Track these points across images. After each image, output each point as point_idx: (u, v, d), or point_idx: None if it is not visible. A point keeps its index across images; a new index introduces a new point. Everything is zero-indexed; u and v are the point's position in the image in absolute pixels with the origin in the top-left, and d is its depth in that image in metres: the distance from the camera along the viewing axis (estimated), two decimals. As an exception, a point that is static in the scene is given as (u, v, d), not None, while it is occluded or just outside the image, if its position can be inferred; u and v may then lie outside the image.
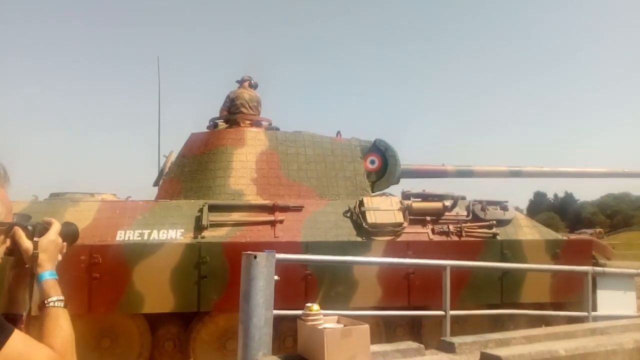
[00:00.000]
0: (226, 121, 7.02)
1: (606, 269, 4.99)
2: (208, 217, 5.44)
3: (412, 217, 5.77)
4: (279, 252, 5.24)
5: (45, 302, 1.32)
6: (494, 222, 5.79)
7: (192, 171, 6.27)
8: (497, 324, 5.66)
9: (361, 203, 5.81)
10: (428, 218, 5.79)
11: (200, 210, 5.50)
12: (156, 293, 5.03)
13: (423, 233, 5.70)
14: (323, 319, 2.65)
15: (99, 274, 5.00)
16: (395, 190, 7.02)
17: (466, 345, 2.79)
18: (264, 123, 7.05)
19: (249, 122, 6.87)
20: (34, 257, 1.36)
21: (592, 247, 5.92)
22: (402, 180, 7.30)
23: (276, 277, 3.20)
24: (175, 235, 5.33)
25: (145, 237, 5.23)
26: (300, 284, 5.33)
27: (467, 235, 5.69)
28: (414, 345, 2.72)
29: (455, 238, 5.66)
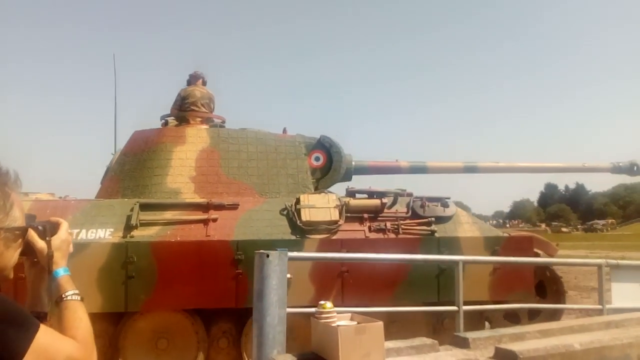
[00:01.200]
0: (177, 119, 6.91)
1: (620, 262, 4.96)
2: (138, 216, 5.35)
3: (349, 214, 5.67)
4: (210, 251, 5.18)
5: (63, 296, 1.40)
6: (433, 219, 5.70)
7: (132, 169, 6.17)
8: (438, 322, 5.69)
9: (298, 201, 5.73)
10: (365, 215, 5.70)
11: (132, 209, 5.41)
12: (83, 293, 4.94)
13: (359, 231, 5.62)
14: (337, 316, 2.66)
15: (25, 274, 4.92)
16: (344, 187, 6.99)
17: (480, 340, 2.79)
18: (217, 121, 6.96)
19: (199, 119, 6.78)
20: (50, 256, 1.43)
21: (532, 244, 5.80)
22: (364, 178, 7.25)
23: (289, 275, 3.21)
24: (104, 234, 5.23)
25: (73, 237, 5.12)
26: (230, 283, 5.25)
27: (404, 233, 5.60)
28: (428, 341, 2.71)
29: (392, 235, 5.58)
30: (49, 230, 1.47)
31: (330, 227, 5.51)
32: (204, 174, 6.04)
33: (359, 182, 7.24)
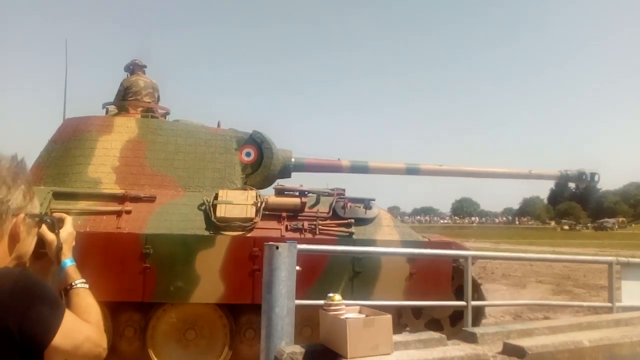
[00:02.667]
0: (119, 108, 6.77)
1: (631, 259, 4.92)
2: (50, 205, 5.18)
3: (268, 212, 5.55)
4: (118, 243, 5.04)
5: (73, 284, 1.51)
6: (352, 220, 5.58)
7: (57, 157, 5.98)
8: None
9: (216, 196, 5.60)
10: (284, 214, 5.58)
11: (45, 198, 5.23)
12: None
13: (276, 229, 5.49)
14: (345, 309, 2.67)
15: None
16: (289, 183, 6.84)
17: (488, 335, 2.78)
18: (161, 111, 6.83)
19: (140, 109, 6.64)
20: (59, 247, 1.56)
21: (451, 249, 5.68)
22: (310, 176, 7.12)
23: (298, 268, 3.22)
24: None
25: None
26: (138, 278, 5.16)
27: (321, 233, 5.47)
28: (435, 335, 2.71)
29: (309, 235, 5.45)
30: (56, 224, 1.58)
31: (245, 224, 5.37)
32: (127, 165, 5.90)
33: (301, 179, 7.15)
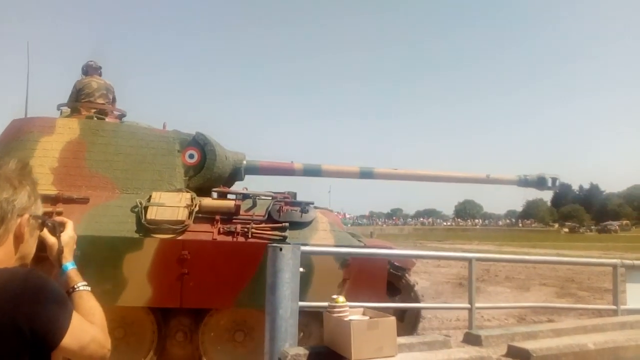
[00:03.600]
0: (72, 110, 6.66)
1: (635, 262, 4.90)
2: None
3: (202, 215, 5.46)
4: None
5: (75, 287, 1.52)
6: (287, 224, 5.47)
7: None
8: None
9: (149, 198, 5.54)
10: (217, 217, 5.48)
11: None
12: None
13: (208, 232, 5.39)
14: (349, 311, 2.67)
15: None
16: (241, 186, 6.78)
17: (493, 338, 2.77)
18: (116, 112, 6.78)
19: (94, 110, 6.54)
20: (60, 251, 1.57)
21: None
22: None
23: (301, 269, 3.22)
24: None
25: None
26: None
27: (254, 237, 5.37)
28: (440, 337, 2.71)
29: (241, 239, 5.37)
30: (57, 228, 1.58)
31: (175, 227, 5.29)
32: (65, 166, 5.80)
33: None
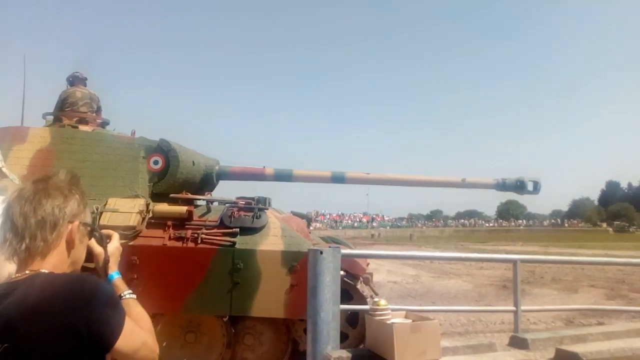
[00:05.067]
0: (56, 119, 6.85)
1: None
2: None
3: (155, 221, 5.44)
4: None
5: (122, 295, 1.58)
6: (237, 229, 5.45)
7: None
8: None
9: (105, 204, 5.54)
10: (169, 223, 5.45)
11: None
12: None
13: (159, 238, 5.36)
14: (391, 314, 2.66)
15: None
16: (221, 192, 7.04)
17: (540, 341, 2.71)
18: (98, 121, 6.94)
19: (75, 119, 6.72)
20: (106, 261, 1.64)
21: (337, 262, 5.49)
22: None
23: (342, 272, 3.21)
24: None
25: None
26: None
27: (204, 242, 5.34)
28: (485, 341, 2.66)
29: (191, 244, 5.32)
30: (103, 238, 1.67)
31: (126, 232, 5.26)
32: (34, 174, 5.66)
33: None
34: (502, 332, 7.88)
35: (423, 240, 48.65)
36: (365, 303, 5.13)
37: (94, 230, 1.62)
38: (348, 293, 5.21)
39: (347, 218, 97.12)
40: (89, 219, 1.56)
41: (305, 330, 5.31)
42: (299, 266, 5.16)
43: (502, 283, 13.57)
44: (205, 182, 6.84)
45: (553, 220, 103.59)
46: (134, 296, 1.62)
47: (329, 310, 3.03)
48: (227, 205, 5.74)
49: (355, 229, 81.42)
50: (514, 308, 4.02)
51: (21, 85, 6.96)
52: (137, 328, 1.42)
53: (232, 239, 5.35)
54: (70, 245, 1.46)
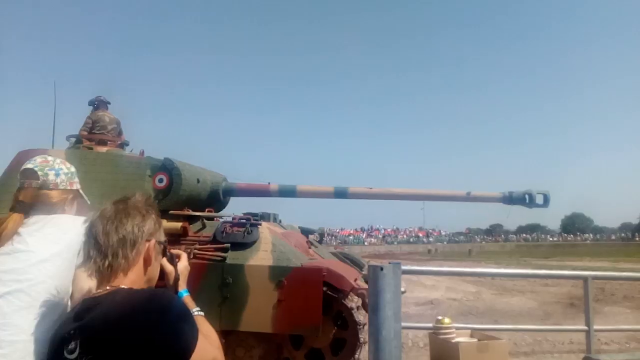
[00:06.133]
0: (78, 140, 7.30)
1: None
2: None
3: None
4: None
5: (192, 312, 1.62)
6: (229, 245, 5.48)
7: None
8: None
9: None
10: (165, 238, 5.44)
11: None
12: None
13: None
14: (456, 332, 2.58)
15: None
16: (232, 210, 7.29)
17: (617, 364, 2.55)
18: (118, 142, 7.34)
19: (93, 142, 7.15)
20: (176, 279, 1.75)
21: (321, 276, 5.28)
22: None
23: (403, 289, 3.16)
24: None
25: None
26: None
27: (196, 258, 5.35)
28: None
29: None
30: (173, 257, 1.78)
31: None
32: None
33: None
34: (570, 352, 7.56)
35: (483, 256, 47.19)
36: (352, 315, 5.23)
37: (167, 248, 1.69)
38: (332, 307, 5.26)
39: (402, 233, 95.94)
40: (163, 237, 1.66)
41: (305, 356, 5.45)
42: (286, 281, 5.23)
43: (569, 301, 12.90)
44: (212, 199, 7.05)
45: (622, 234, 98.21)
46: (202, 313, 1.67)
47: (391, 328, 2.98)
48: (221, 221, 5.89)
49: (410, 244, 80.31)
50: (585, 327, 3.80)
51: (52, 109, 7.50)
52: (208, 344, 1.46)
53: (224, 254, 5.49)
54: (147, 262, 1.56)
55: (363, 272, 7.30)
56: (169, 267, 1.73)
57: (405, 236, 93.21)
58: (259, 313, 5.25)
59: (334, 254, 7.60)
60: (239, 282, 5.31)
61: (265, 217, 6.55)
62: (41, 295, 1.76)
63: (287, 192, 7.38)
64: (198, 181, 6.73)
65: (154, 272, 1.61)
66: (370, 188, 7.34)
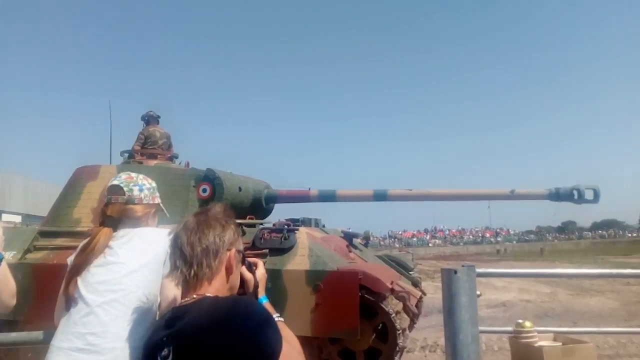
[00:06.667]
0: (132, 155, 7.68)
1: None
2: (34, 242, 5.99)
3: None
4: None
5: None
6: (267, 250, 5.53)
7: (59, 201, 6.99)
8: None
9: None
10: None
11: (33, 236, 6.07)
12: None
13: None
14: (538, 336, 2.50)
15: None
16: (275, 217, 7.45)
17: None
18: (168, 155, 7.75)
19: (144, 156, 7.58)
20: (256, 286, 1.79)
21: (357, 279, 5.24)
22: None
23: (478, 292, 3.09)
24: (8, 256, 5.69)
25: None
26: None
27: None
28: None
29: None
30: (252, 266, 1.83)
31: None
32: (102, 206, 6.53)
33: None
34: (659, 355, 7.10)
35: (556, 255, 45.16)
36: (390, 321, 5.19)
37: (245, 257, 1.75)
38: (373, 309, 5.27)
39: (467, 233, 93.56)
40: (241, 247, 1.72)
41: (339, 354, 5.47)
42: (322, 285, 5.28)
43: (655, 300, 12.21)
44: (255, 206, 7.26)
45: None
46: (282, 319, 1.68)
47: (468, 332, 2.92)
48: (260, 227, 6.03)
49: (477, 245, 78.15)
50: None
51: (108, 127, 8.13)
52: (291, 349, 1.48)
53: (262, 260, 5.57)
54: (229, 270, 1.62)
55: (411, 275, 7.39)
56: (248, 275, 1.78)
57: (471, 236, 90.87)
58: (297, 317, 5.28)
59: (379, 256, 7.65)
60: (278, 287, 5.40)
61: (306, 222, 6.71)
62: (133, 304, 1.88)
63: (327, 197, 7.53)
64: (240, 190, 6.97)
65: (236, 280, 1.68)
66: (410, 190, 7.35)
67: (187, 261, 1.55)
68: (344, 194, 7.53)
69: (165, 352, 1.39)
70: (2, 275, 2.07)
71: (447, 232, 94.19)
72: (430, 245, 77.93)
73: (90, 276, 1.95)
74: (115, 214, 2.15)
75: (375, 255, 7.72)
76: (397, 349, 5.34)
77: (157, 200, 2.34)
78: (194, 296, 1.51)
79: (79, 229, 6.46)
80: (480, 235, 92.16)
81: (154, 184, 2.36)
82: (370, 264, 6.55)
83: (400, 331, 5.34)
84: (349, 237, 7.17)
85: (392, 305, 5.39)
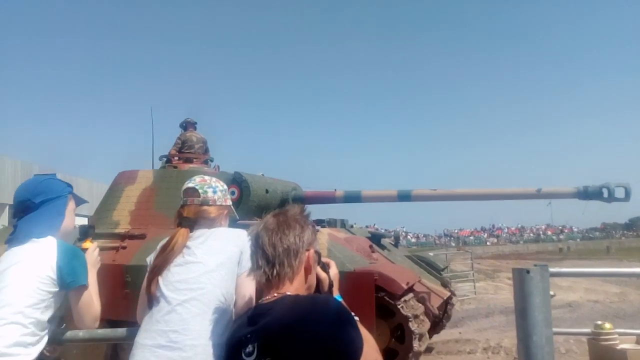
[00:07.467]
0: (169, 159, 8.02)
1: None
2: (75, 244, 6.07)
3: None
4: (106, 274, 4.84)
5: None
6: None
7: (101, 204, 7.35)
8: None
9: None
10: None
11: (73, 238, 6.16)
12: None
13: None
14: (619, 339, 2.41)
15: None
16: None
17: None
18: (202, 159, 8.06)
19: (181, 160, 7.92)
20: (331, 285, 1.78)
21: (373, 280, 5.28)
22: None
23: (552, 293, 3.01)
24: None
25: None
26: (121, 301, 5.49)
27: None
28: None
29: None
30: (325, 266, 1.82)
31: None
32: (139, 209, 6.98)
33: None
34: None
35: (623, 253, 42.90)
36: (407, 322, 5.23)
37: (320, 257, 1.78)
38: (390, 310, 5.31)
39: (527, 231, 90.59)
40: (318, 247, 1.75)
41: None
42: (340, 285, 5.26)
43: None
44: (282, 207, 7.35)
45: None
46: (357, 318, 1.71)
47: (542, 334, 2.84)
48: None
49: (538, 243, 75.53)
50: None
51: (150, 133, 8.50)
52: (371, 348, 1.48)
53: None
54: (308, 270, 1.65)
55: (441, 275, 7.28)
56: (323, 275, 1.78)
57: (531, 234, 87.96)
58: None
59: (408, 257, 7.66)
60: None
61: (332, 223, 6.90)
62: (212, 303, 1.94)
63: (352, 198, 7.60)
64: (267, 192, 7.16)
65: (313, 279, 1.69)
66: (435, 190, 7.36)
67: (270, 261, 1.58)
68: (368, 195, 7.61)
69: (249, 348, 1.43)
70: (85, 301, 2.28)
71: (505, 230, 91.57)
72: (488, 244, 76.02)
73: (170, 275, 2.02)
74: (191, 215, 2.22)
75: (405, 255, 7.71)
76: (412, 353, 5.32)
77: (229, 202, 2.41)
78: (275, 295, 1.55)
79: (117, 230, 6.80)
80: (541, 232, 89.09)
81: (225, 187, 2.43)
82: (390, 264, 6.54)
83: (417, 335, 5.32)
84: (376, 237, 7.26)
85: (411, 307, 5.38)
